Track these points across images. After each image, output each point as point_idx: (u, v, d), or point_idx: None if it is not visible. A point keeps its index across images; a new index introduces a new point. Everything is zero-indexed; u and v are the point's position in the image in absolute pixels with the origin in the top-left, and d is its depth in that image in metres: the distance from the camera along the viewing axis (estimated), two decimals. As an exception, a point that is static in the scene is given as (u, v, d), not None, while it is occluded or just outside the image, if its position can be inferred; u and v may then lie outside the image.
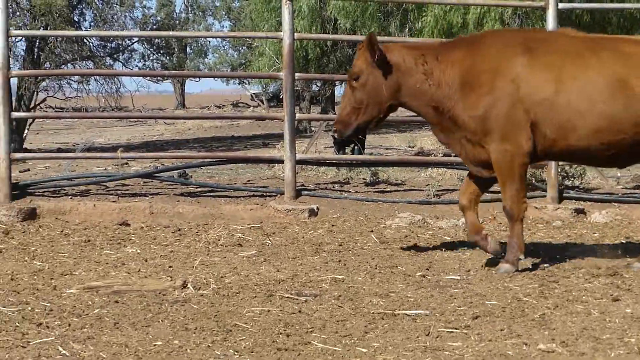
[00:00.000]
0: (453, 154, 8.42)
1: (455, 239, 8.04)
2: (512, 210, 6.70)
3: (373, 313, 5.41)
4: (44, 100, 23.71)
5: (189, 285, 6.10)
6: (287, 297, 5.82)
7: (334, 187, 11.00)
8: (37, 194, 9.80)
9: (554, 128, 6.58)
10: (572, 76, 6.58)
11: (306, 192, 10.13)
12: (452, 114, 6.76)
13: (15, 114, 11.65)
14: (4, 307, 5.54)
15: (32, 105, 22.34)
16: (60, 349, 4.65)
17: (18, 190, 9.73)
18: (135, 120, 29.60)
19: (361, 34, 20.27)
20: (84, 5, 24.92)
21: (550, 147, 6.68)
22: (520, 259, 6.72)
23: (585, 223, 8.99)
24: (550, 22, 10.19)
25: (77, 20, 24.74)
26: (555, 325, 5.11)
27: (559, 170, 10.02)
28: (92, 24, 25.45)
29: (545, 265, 6.87)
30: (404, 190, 10.85)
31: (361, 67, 6.86)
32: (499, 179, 6.77)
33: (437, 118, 7.03)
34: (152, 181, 10.86)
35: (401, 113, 8.38)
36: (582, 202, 9.66)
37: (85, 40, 24.28)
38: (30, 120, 20.45)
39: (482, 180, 7.01)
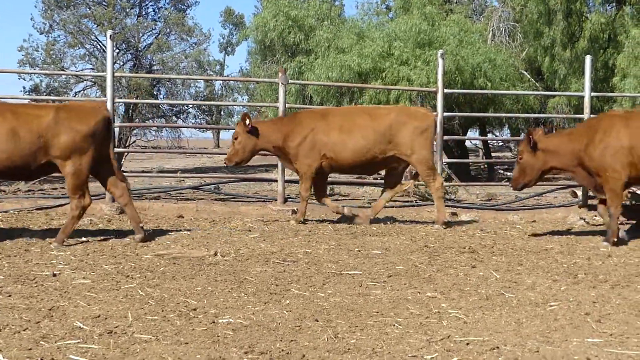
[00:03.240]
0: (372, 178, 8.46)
1: (379, 229, 8.04)
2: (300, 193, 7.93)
3: (328, 272, 5.40)
4: (134, 141, 24.05)
5: (218, 254, 6.06)
6: (277, 262, 5.80)
7: (307, 196, 10.94)
8: (128, 197, 9.72)
9: None
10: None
11: (290, 200, 10.10)
12: (286, 151, 7.91)
13: (116, 149, 11.51)
14: (106, 265, 5.50)
15: (127, 144, 22.68)
16: (140, 291, 4.62)
17: (116, 195, 9.67)
18: (189, 154, 29.60)
19: (328, 105, 20.29)
20: (160, 85, 25.02)
21: None
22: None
23: (457, 221, 9.02)
24: (439, 101, 10.21)
25: (155, 93, 24.84)
26: (437, 282, 5.12)
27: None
28: (164, 95, 25.52)
29: (432, 246, 6.89)
30: (350, 199, 10.85)
31: (239, 131, 7.69)
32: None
33: (279, 153, 8.16)
34: (198, 191, 10.80)
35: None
36: (454, 208, 9.70)
37: (160, 106, 25.03)
38: (126, 153, 20.70)
39: None
